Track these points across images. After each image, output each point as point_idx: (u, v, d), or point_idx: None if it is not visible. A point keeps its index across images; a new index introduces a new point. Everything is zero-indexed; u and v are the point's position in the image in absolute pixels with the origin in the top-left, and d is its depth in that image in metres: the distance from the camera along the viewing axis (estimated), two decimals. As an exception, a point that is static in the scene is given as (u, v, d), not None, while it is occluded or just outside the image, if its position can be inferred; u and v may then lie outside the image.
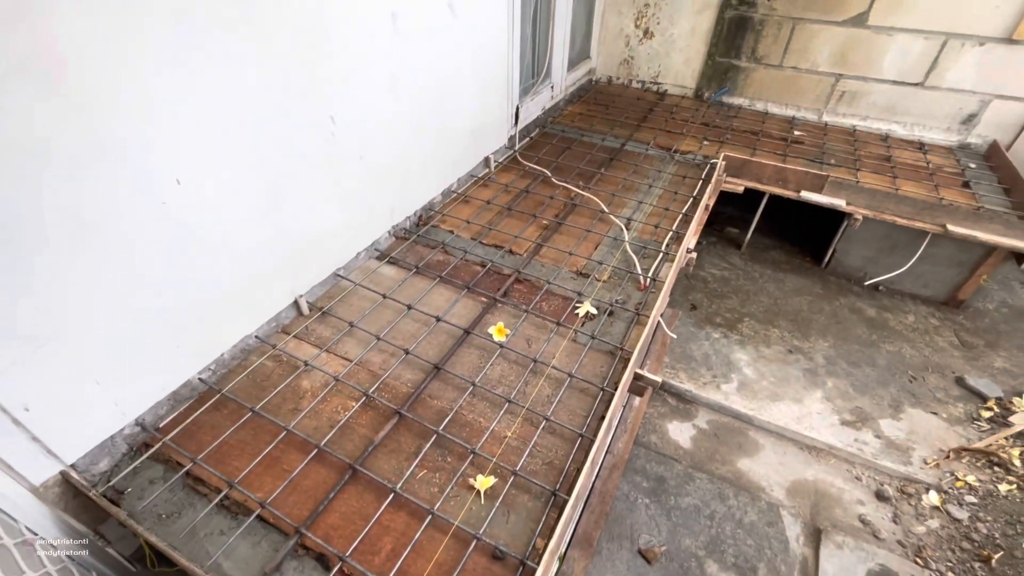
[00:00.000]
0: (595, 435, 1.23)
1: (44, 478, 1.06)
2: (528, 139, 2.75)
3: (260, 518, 1.08)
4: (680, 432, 1.90)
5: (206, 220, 1.22)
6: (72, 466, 1.10)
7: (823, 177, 2.35)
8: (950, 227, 2.19)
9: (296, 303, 1.58)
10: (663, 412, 1.97)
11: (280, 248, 1.47)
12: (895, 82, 2.81)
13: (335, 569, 1.00)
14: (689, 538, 1.58)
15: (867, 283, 2.61)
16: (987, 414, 1.92)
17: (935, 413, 1.93)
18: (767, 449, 1.85)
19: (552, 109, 3.03)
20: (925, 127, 2.87)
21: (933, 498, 1.66)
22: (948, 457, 1.77)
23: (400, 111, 1.76)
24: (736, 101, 3.25)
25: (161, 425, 1.26)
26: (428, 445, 1.23)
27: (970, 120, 2.76)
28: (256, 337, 1.48)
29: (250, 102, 1.23)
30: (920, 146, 2.85)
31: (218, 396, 1.32)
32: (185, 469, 1.16)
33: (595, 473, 1.44)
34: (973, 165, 2.66)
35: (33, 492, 1.04)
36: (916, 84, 2.77)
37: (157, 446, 1.20)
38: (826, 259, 2.70)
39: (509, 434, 1.27)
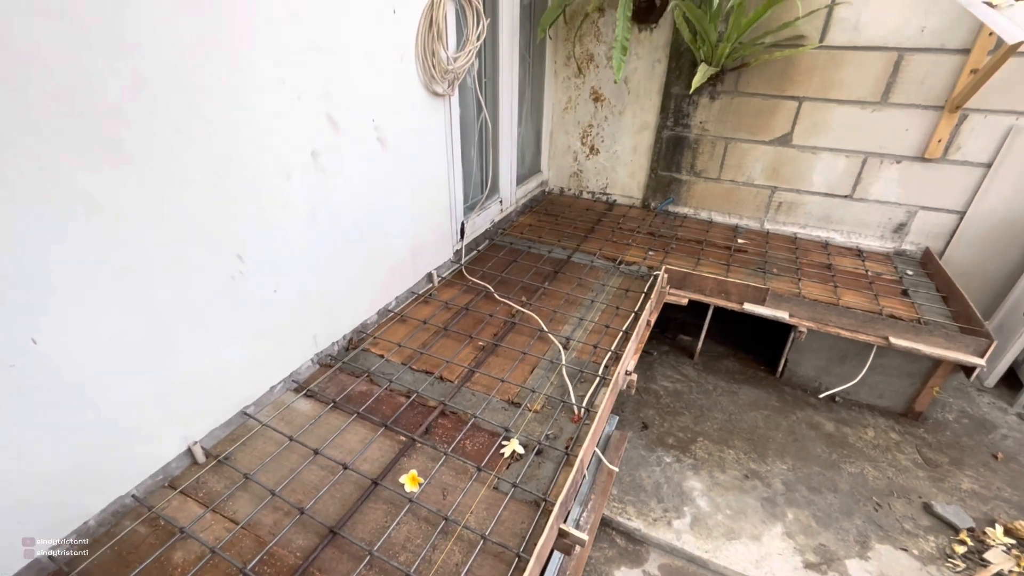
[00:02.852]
0: (503, 620, 1.06)
1: None
2: (476, 252, 2.77)
3: None
4: (629, 582, 1.70)
5: (71, 378, 1.12)
6: None
7: (764, 290, 2.36)
8: (892, 340, 2.17)
9: (190, 451, 1.44)
10: (610, 556, 1.78)
11: (172, 394, 1.35)
12: (826, 194, 2.96)
13: None
14: None
15: (822, 395, 2.53)
16: (961, 549, 1.76)
17: (905, 549, 1.77)
18: (726, 601, 1.64)
19: (503, 220, 3.10)
20: (861, 235, 2.98)
21: (913, 663, 1.45)
22: (924, 608, 1.58)
23: (324, 242, 1.73)
24: (682, 210, 3.37)
25: (-15, 624, 1.06)
26: (303, 643, 1.04)
27: (900, 229, 2.87)
28: (133, 496, 1.31)
29: (136, 247, 1.18)
30: (859, 253, 2.93)
31: (66, 579, 1.13)
32: None
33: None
34: (910, 272, 2.72)
35: None
36: (845, 196, 2.92)
37: (-31, 657, 1.00)
38: (780, 369, 2.64)
39: (403, 621, 1.09)
